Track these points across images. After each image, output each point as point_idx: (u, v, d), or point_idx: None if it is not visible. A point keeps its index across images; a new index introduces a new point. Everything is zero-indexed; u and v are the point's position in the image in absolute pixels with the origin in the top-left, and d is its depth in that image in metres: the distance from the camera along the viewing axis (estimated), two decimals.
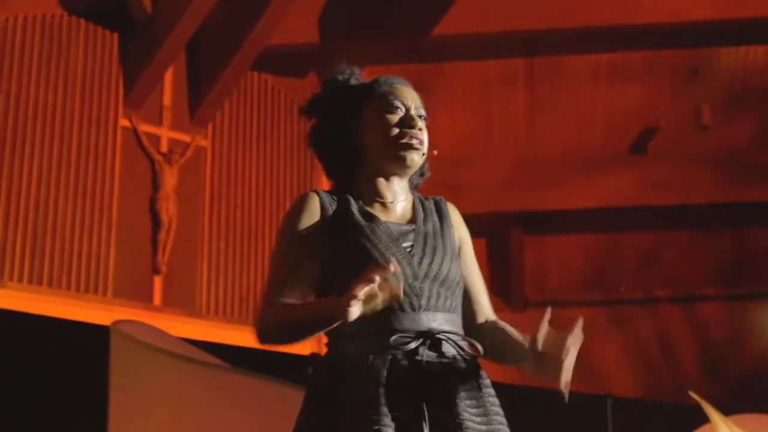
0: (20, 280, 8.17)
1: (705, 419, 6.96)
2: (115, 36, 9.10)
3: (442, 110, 9.85)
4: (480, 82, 10.41)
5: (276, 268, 2.52)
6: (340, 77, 2.65)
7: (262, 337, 2.53)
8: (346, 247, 2.46)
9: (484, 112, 10.49)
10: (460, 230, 2.66)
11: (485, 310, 2.64)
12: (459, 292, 2.53)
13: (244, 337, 9.84)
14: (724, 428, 6.60)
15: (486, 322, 2.61)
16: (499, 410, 2.45)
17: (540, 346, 2.32)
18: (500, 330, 2.56)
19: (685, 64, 10.29)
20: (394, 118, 2.55)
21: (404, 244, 2.48)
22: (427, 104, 2.64)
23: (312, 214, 2.51)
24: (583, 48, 10.22)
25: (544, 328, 2.34)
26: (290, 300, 2.45)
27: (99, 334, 6.40)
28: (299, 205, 2.53)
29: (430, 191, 2.66)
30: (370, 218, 2.50)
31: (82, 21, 8.97)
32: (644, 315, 11.02)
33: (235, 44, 9.08)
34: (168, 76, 9.32)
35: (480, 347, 2.48)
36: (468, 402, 2.39)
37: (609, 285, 11.13)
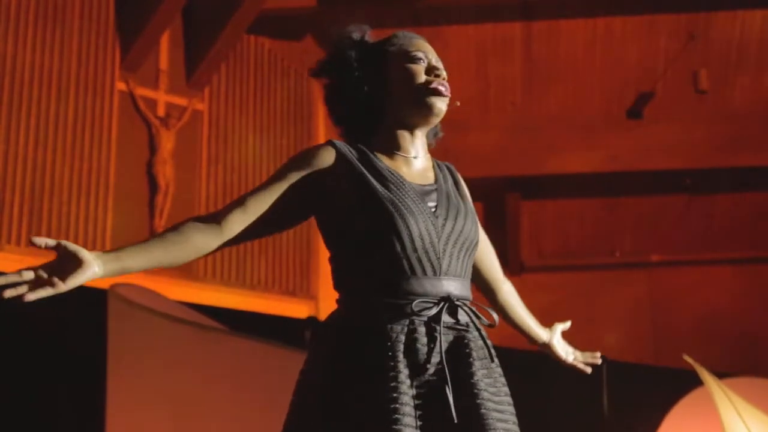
0: (18, 243, 8.18)
1: (699, 382, 7.01)
2: None
3: None
4: (476, 46, 10.39)
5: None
6: (355, 35, 2.61)
7: None
8: (371, 200, 2.40)
9: (480, 77, 10.48)
10: (466, 193, 2.67)
11: (500, 273, 2.82)
12: (473, 256, 2.53)
13: (242, 300, 9.85)
14: (718, 391, 6.64)
15: (504, 287, 2.84)
16: (505, 382, 2.45)
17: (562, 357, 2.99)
18: (516, 308, 2.87)
19: (682, 28, 10.26)
20: (420, 67, 2.54)
21: (429, 204, 2.45)
22: None
23: (317, 163, 2.46)
24: (580, 12, 10.19)
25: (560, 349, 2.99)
26: (228, 219, 2.39)
27: (97, 297, 6.43)
28: (309, 150, 2.49)
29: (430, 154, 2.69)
30: (395, 175, 2.47)
31: None
32: (639, 279, 11.06)
33: (231, 7, 9.06)
34: (164, 40, 9.30)
35: (496, 317, 2.51)
36: (482, 372, 2.37)
37: (605, 249, 11.17)
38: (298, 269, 9.55)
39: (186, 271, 9.01)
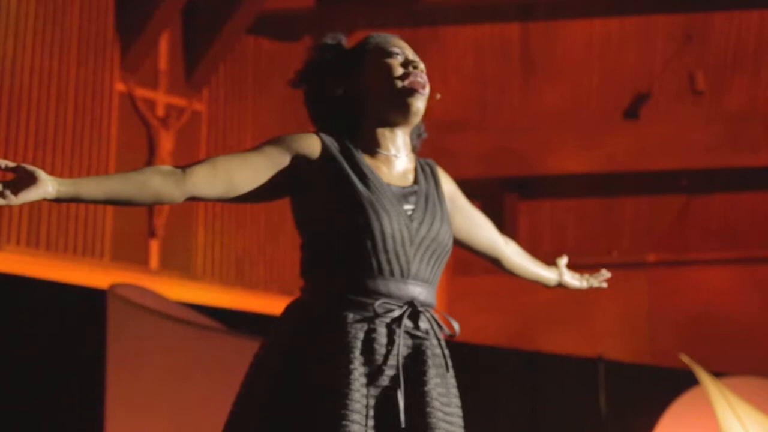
0: (18, 243, 8.20)
1: (696, 382, 7.04)
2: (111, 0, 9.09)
3: (435, 75, 9.84)
4: (474, 46, 10.41)
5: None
6: (330, 41, 2.63)
7: None
8: (349, 197, 2.42)
9: (478, 77, 10.50)
10: (449, 187, 2.68)
11: (500, 240, 2.88)
12: (445, 262, 2.53)
13: (241, 300, 9.88)
14: (715, 391, 6.68)
15: (506, 250, 2.93)
16: (457, 393, 2.46)
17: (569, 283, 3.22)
18: (525, 266, 3.04)
19: (678, 29, 10.29)
20: (396, 61, 2.56)
21: (405, 207, 2.47)
22: None
23: (301, 149, 2.48)
24: (578, 13, 10.22)
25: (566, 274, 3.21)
26: (193, 174, 2.37)
27: (96, 297, 6.46)
28: (295, 135, 2.51)
29: (425, 156, 2.70)
30: (375, 174, 2.48)
31: None
32: (637, 279, 11.08)
33: (230, 8, 9.08)
34: (164, 41, 9.32)
35: (456, 327, 2.51)
36: (435, 380, 2.38)
37: (602, 249, 11.19)
38: (298, 269, 9.57)
39: (186, 271, 9.04)
